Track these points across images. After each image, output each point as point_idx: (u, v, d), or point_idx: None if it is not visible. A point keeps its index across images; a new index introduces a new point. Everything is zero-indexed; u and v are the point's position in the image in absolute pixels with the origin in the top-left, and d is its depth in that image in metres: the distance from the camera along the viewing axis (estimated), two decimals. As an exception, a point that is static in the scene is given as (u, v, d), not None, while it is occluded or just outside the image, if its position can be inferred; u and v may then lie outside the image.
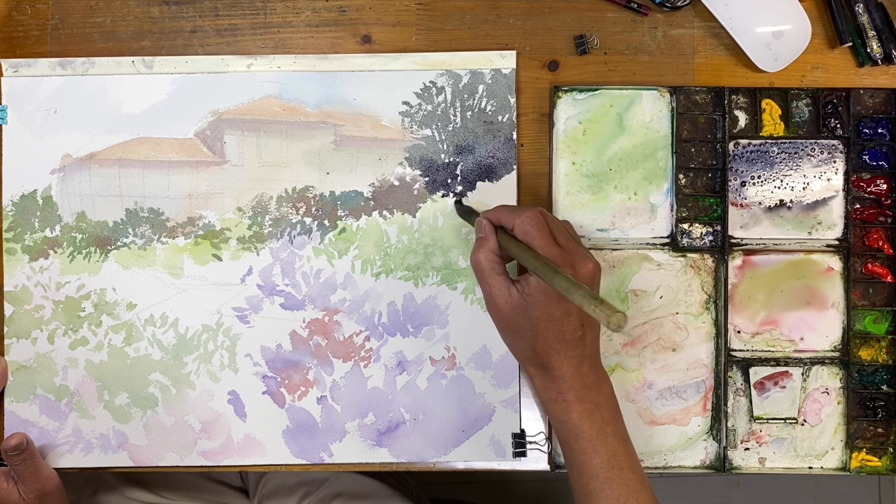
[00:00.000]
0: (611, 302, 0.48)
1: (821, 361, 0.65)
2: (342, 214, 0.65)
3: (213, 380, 0.65)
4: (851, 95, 0.65)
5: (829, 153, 0.65)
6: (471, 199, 0.65)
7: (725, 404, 0.64)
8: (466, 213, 0.63)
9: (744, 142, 0.65)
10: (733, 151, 0.65)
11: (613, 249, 0.65)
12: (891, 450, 0.65)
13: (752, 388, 0.65)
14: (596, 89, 0.65)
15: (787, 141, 0.65)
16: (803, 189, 0.65)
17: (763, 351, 0.65)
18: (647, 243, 0.65)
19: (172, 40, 0.66)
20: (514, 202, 0.65)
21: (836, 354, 0.65)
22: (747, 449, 0.65)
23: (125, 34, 0.66)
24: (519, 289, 0.56)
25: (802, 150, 0.65)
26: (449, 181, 0.65)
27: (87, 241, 0.65)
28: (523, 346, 0.57)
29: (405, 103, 0.65)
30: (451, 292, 0.65)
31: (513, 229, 0.56)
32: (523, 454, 0.64)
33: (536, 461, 0.65)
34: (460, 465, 0.65)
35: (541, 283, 0.54)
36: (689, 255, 0.65)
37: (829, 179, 0.65)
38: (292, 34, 0.66)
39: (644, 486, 0.56)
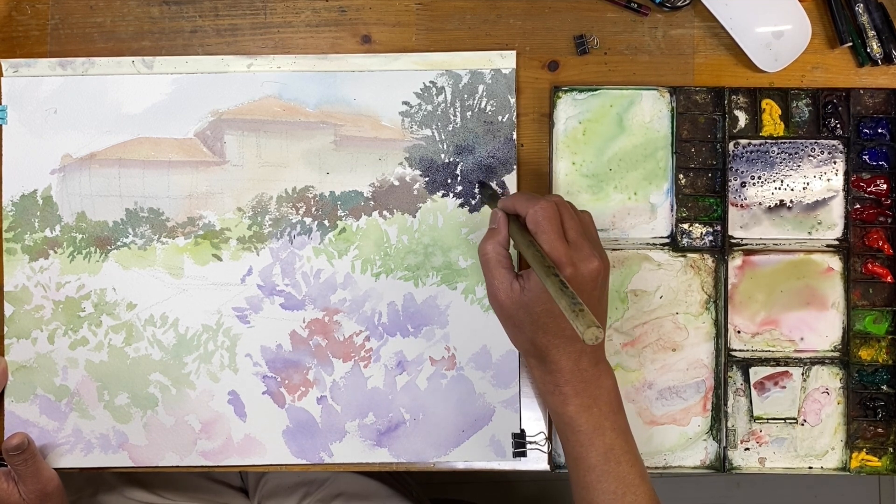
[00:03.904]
0: (592, 314, 0.47)
1: (821, 361, 0.65)
2: (342, 214, 0.65)
3: (213, 380, 0.65)
4: (851, 95, 0.65)
5: (829, 153, 0.65)
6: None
7: (725, 404, 0.64)
8: (490, 196, 0.62)
9: (744, 142, 0.65)
10: (733, 151, 0.65)
11: (613, 249, 0.65)
12: (891, 450, 0.65)
13: (752, 388, 0.65)
14: (596, 89, 0.65)
15: (787, 141, 0.65)
16: (803, 189, 0.65)
17: (763, 351, 0.65)
18: (647, 243, 0.65)
19: (172, 40, 0.66)
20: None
21: (836, 354, 0.65)
22: (747, 449, 0.65)
23: (125, 34, 0.66)
24: (521, 284, 0.55)
25: (802, 150, 0.65)
26: (449, 181, 0.65)
27: (87, 241, 0.65)
28: (523, 339, 0.57)
29: (405, 103, 0.65)
30: (451, 292, 0.65)
31: (525, 218, 0.55)
32: (523, 454, 0.64)
33: (536, 461, 0.65)
34: (460, 465, 0.65)
35: (541, 281, 0.54)
36: (689, 255, 0.65)
37: (829, 179, 0.65)
38: (292, 34, 0.66)
39: (642, 479, 0.56)
